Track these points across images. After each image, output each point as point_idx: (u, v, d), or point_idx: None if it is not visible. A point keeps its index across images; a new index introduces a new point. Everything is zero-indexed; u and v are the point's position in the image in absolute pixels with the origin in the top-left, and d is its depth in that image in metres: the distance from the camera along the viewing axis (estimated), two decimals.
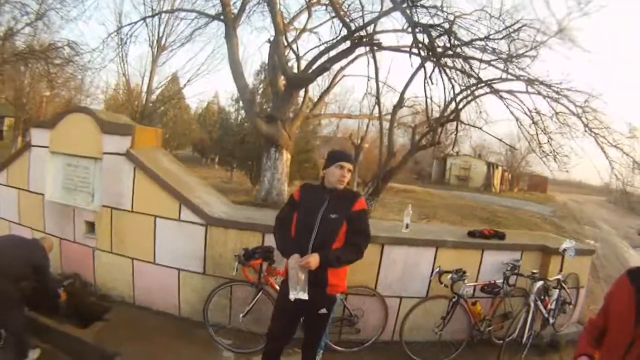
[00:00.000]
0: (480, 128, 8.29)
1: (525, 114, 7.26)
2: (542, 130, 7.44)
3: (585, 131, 7.16)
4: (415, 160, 35.87)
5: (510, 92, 7.16)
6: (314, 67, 7.41)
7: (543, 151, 7.67)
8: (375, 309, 3.49)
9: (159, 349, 3.04)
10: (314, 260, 2.25)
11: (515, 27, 6.25)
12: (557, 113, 7.14)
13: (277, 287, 2.90)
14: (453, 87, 6.83)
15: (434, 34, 6.15)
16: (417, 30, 6.07)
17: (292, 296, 2.30)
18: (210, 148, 17.04)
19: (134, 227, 3.52)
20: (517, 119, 7.36)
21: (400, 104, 7.86)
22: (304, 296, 2.30)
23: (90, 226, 3.71)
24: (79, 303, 3.42)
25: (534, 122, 7.36)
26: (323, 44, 7.62)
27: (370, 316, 3.47)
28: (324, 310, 2.46)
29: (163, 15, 13.41)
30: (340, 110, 15.26)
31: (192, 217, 3.39)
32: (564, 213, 18.62)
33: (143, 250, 3.52)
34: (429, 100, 7.17)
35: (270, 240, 3.03)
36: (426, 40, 6.22)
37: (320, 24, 9.30)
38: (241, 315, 3.18)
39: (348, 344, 3.41)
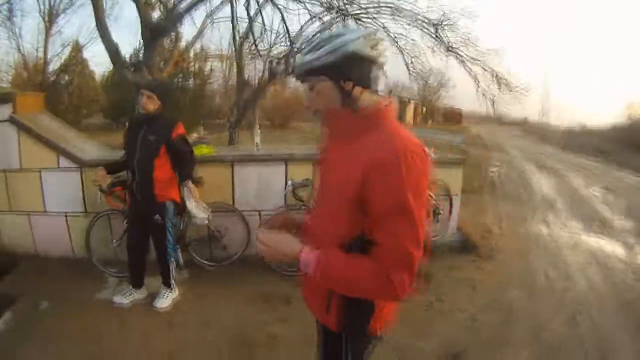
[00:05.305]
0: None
1: (390, 36, 7.50)
2: (407, 54, 7.90)
3: (449, 49, 7.54)
4: None
5: (357, 16, 7.25)
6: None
7: (412, 74, 8.29)
8: (236, 225, 3.77)
9: (59, 287, 3.28)
10: (189, 183, 2.80)
11: None
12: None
13: None
14: (282, 16, 6.82)
15: None
16: None
17: (201, 221, 2.96)
18: (120, 112, 16.02)
19: (25, 184, 3.76)
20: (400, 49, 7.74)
21: (246, 35, 7.98)
22: (205, 214, 2.97)
23: None
24: None
25: (398, 47, 7.75)
26: None
27: (233, 232, 3.77)
28: (158, 217, 2.84)
29: None
30: None
31: (69, 164, 3.70)
32: (475, 141, 18.76)
33: (35, 203, 3.77)
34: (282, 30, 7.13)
35: None
36: None
37: None
38: (115, 241, 3.47)
39: (218, 260, 3.75)
